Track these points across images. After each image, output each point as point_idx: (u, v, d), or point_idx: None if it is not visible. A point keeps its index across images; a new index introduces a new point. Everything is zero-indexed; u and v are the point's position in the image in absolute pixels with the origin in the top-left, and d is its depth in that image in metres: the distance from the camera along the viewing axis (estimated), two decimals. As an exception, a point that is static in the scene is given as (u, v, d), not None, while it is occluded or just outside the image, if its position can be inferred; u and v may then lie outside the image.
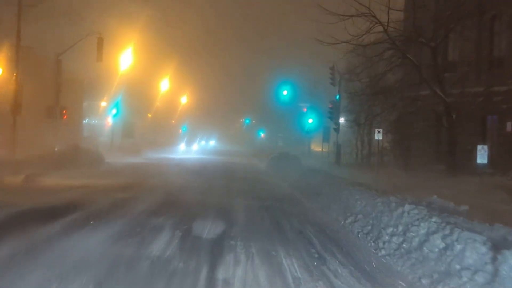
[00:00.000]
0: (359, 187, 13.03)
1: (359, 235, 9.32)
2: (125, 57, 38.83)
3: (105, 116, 50.06)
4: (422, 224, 7.53)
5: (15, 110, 24.31)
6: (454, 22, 21.61)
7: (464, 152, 21.32)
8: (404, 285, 6.48)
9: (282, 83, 46.14)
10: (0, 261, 6.75)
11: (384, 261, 7.63)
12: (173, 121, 73.84)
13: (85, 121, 50.10)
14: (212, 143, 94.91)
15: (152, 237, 8.50)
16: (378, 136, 23.10)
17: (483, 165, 16.16)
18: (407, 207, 8.51)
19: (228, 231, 9.38)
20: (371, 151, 32.63)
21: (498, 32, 23.27)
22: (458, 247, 6.30)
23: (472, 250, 6.03)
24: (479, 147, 16.06)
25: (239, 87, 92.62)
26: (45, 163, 20.97)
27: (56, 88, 29.71)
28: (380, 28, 20.90)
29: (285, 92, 45.67)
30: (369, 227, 9.27)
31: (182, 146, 65.21)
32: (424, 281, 6.42)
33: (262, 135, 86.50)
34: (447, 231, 6.82)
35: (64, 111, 30.03)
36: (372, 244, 8.47)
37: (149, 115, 61.62)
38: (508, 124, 21.18)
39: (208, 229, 9.52)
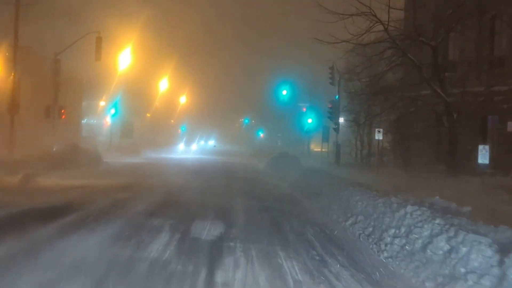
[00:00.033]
0: (359, 188, 12.92)
1: (360, 236, 9.18)
2: (124, 57, 38.68)
3: (104, 115, 49.90)
4: (425, 226, 7.38)
5: (13, 109, 24.21)
6: (455, 21, 21.48)
7: (465, 152, 21.21)
8: (407, 288, 6.38)
9: (281, 83, 46.10)
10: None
11: (387, 263, 7.49)
12: (172, 121, 73.68)
13: (84, 121, 49.95)
14: (211, 143, 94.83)
15: (151, 239, 8.38)
16: (378, 136, 22.99)
17: (484, 165, 16.03)
18: (409, 208, 8.37)
19: (228, 232, 9.26)
20: (371, 151, 32.50)
21: (498, 31, 23.14)
22: (463, 249, 6.15)
23: (478, 252, 5.88)
24: (481, 147, 15.92)
25: (239, 87, 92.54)
26: (44, 163, 20.83)
27: (54, 87, 29.57)
28: (380, 27, 20.76)
29: (284, 92, 45.61)
30: (371, 229, 9.14)
31: (181, 146, 65.10)
32: (428, 284, 6.29)
33: (261, 135, 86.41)
34: (451, 233, 6.68)
35: (63, 111, 29.86)
36: (374, 246, 8.33)
37: (148, 114, 61.50)
38: (509, 124, 21.00)
39: (207, 230, 9.40)
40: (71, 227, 9.12)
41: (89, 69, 37.43)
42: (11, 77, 24.62)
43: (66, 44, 29.85)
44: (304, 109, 46.53)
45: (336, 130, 33.80)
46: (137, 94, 52.61)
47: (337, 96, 33.94)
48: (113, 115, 41.81)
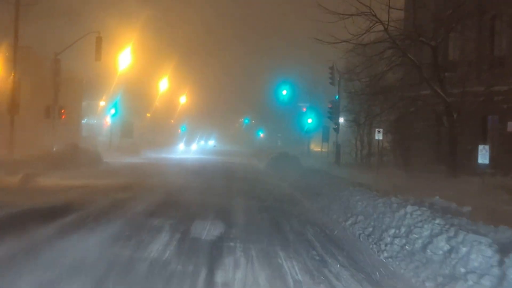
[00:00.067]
0: (359, 188, 12.91)
1: (360, 236, 9.17)
2: (124, 57, 38.67)
3: (104, 115, 49.89)
4: (425, 226, 7.38)
5: (13, 109, 24.20)
6: (455, 21, 21.47)
7: (465, 152, 21.19)
8: (407, 288, 6.37)
9: (281, 83, 46.08)
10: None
11: (387, 263, 7.48)
12: (172, 121, 73.66)
13: (84, 121, 49.94)
14: (211, 143, 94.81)
15: (150, 239, 8.37)
16: (379, 136, 22.97)
17: (485, 165, 16.01)
18: (409, 208, 8.36)
19: (228, 232, 9.25)
20: (371, 151, 32.49)
21: (498, 31, 23.11)
22: (463, 249, 6.14)
23: (478, 252, 5.87)
24: (481, 147, 15.89)
25: (239, 87, 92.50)
26: (44, 163, 20.81)
27: (54, 87, 29.56)
28: (380, 27, 20.74)
29: (284, 92, 45.60)
30: (371, 229, 9.13)
31: (181, 146, 65.08)
32: (428, 284, 6.28)
33: (261, 135, 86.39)
34: (451, 233, 6.67)
35: (63, 111, 29.85)
36: (374, 246, 8.32)
37: (148, 114, 61.48)
38: (509, 124, 20.96)
39: (207, 230, 9.40)
40: (71, 227, 9.11)
41: (89, 69, 37.45)
42: (11, 77, 24.60)
43: (66, 44, 29.84)
44: (304, 109, 46.52)
45: (336, 130, 33.79)
46: (137, 94, 52.62)
47: (337, 96, 33.93)
48: (113, 115, 41.80)
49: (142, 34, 43.68)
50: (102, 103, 50.93)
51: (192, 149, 66.50)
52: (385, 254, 7.71)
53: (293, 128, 59.30)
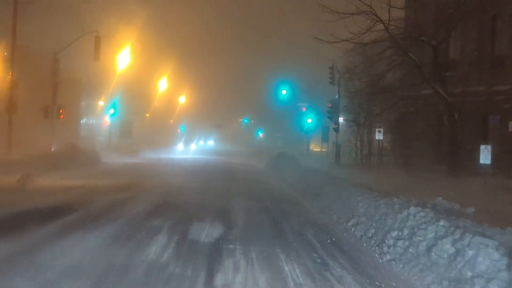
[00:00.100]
0: (360, 188, 12.76)
1: (362, 238, 9.01)
2: (123, 56, 38.54)
3: (103, 115, 49.76)
4: (429, 228, 7.21)
5: (11, 109, 24.09)
6: (456, 20, 21.35)
7: (465, 152, 21.07)
8: (412, 292, 6.23)
9: (281, 82, 45.82)
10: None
11: (390, 266, 7.33)
12: (171, 120, 73.51)
13: (83, 121, 49.81)
14: (211, 143, 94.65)
15: (148, 240, 8.23)
16: (379, 136, 22.85)
17: (486, 165, 15.87)
18: (412, 209, 8.19)
19: (227, 234, 9.10)
20: (371, 151, 32.35)
21: (499, 31, 22.98)
22: (470, 252, 5.98)
23: (485, 256, 5.71)
24: (482, 147, 15.76)
25: (238, 86, 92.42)
26: (42, 163, 20.67)
27: (53, 87, 29.42)
28: (381, 27, 20.61)
29: (284, 92, 45.36)
30: (373, 230, 8.97)
31: (180, 146, 64.92)
32: (433, 288, 6.14)
33: (260, 135, 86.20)
34: (456, 236, 6.50)
35: (61, 111, 29.73)
36: (376, 248, 8.17)
37: (147, 114, 61.33)
38: (510, 123, 20.84)
39: (207, 231, 9.25)
40: (68, 228, 8.98)
41: (88, 68, 37.37)
42: (9, 76, 24.45)
43: (65, 44, 29.73)
44: (304, 109, 46.33)
45: (336, 130, 33.61)
46: (136, 94, 52.54)
47: (336, 96, 33.76)
48: (112, 115, 41.65)
49: (141, 34, 43.67)
50: (101, 103, 50.84)
51: (191, 149, 66.32)
52: (388, 257, 7.55)
53: (293, 128, 59.11)
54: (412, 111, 25.47)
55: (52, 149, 26.82)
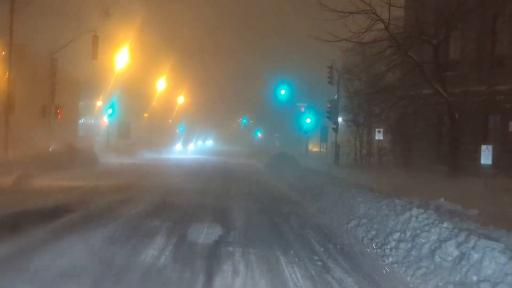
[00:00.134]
0: (361, 189, 12.62)
1: (363, 240, 8.85)
2: (121, 56, 38.39)
3: (101, 115, 49.59)
4: (432, 230, 7.04)
5: (8, 109, 23.93)
6: (456, 19, 21.23)
7: (465, 152, 20.95)
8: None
9: (280, 82, 45.65)
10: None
11: (393, 269, 7.14)
12: (170, 121, 73.33)
13: (81, 121, 49.64)
14: (209, 143, 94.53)
15: (145, 243, 8.06)
16: (379, 136, 22.72)
17: (487, 165, 15.75)
18: (415, 211, 8.02)
19: (226, 236, 8.95)
20: (371, 151, 32.24)
21: (499, 30, 22.85)
22: (475, 256, 5.81)
23: (491, 259, 5.54)
24: (483, 147, 15.64)
25: (237, 86, 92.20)
26: (39, 164, 20.50)
27: (50, 87, 29.27)
28: (380, 26, 20.48)
29: (283, 92, 45.21)
30: (374, 232, 8.81)
31: (178, 146, 64.76)
32: (437, 292, 5.98)
33: (259, 135, 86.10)
34: (461, 238, 6.34)
35: (59, 110, 29.60)
36: (379, 250, 8.00)
37: (146, 114, 61.14)
38: (511, 123, 20.72)
39: (205, 233, 9.09)
40: (63, 230, 8.83)
41: (87, 68, 37.18)
42: (6, 76, 24.29)
43: (62, 43, 29.58)
44: (303, 109, 46.19)
45: (335, 130, 33.49)
46: (134, 94, 52.35)
47: (336, 96, 33.64)
48: (110, 115, 41.49)
49: (140, 34, 43.39)
50: (99, 103, 50.64)
51: (189, 149, 66.17)
52: (390, 259, 7.39)
53: (291, 128, 58.98)
54: (412, 111, 25.35)
55: (50, 149, 26.64)
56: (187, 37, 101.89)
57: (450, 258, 6.24)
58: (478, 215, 9.17)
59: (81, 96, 43.77)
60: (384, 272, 7.06)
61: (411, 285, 6.45)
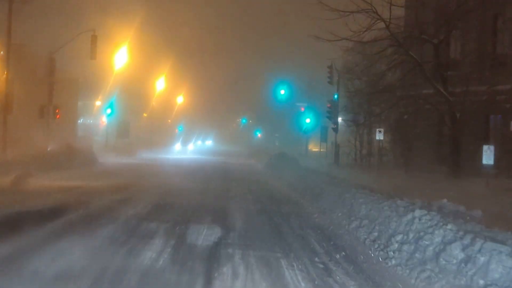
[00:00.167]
0: (361, 189, 12.50)
1: (365, 242, 8.71)
2: (120, 56, 38.22)
3: (100, 115, 49.45)
4: (436, 232, 6.91)
5: (6, 108, 23.80)
6: (457, 19, 21.12)
7: (466, 152, 20.83)
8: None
9: (279, 82, 45.56)
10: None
11: (396, 272, 7.01)
12: (169, 120, 73.18)
13: (80, 121, 49.49)
14: (209, 143, 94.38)
15: (144, 244, 7.92)
16: (379, 136, 22.61)
17: (489, 166, 15.62)
18: (417, 212, 7.89)
19: (225, 238, 8.81)
20: (371, 151, 32.13)
21: (500, 30, 22.76)
22: (482, 259, 5.67)
23: (498, 263, 5.41)
24: (485, 147, 15.50)
25: (237, 86, 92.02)
26: (37, 164, 20.36)
27: (49, 86, 29.13)
28: (381, 25, 20.38)
29: (282, 92, 45.10)
30: (376, 233, 8.67)
31: (177, 146, 64.63)
32: (442, 296, 5.84)
33: (259, 135, 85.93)
34: (466, 241, 6.20)
35: (57, 110, 29.44)
36: (381, 252, 7.86)
37: (145, 114, 60.99)
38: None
39: (204, 235, 8.95)
40: (61, 231, 8.71)
41: (85, 68, 37.06)
42: (4, 75, 24.16)
43: (61, 43, 29.42)
44: (302, 109, 46.07)
45: (335, 130, 33.37)
46: (133, 93, 52.19)
47: (336, 96, 33.52)
48: (109, 115, 41.32)
49: (139, 33, 43.27)
50: (98, 103, 50.51)
51: (188, 149, 66.06)
52: (393, 262, 7.25)
53: (291, 128, 58.83)
54: (412, 111, 25.24)
55: (48, 149, 26.48)
56: (187, 37, 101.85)
57: (455, 261, 6.10)
58: (482, 216, 9.03)
59: (80, 96, 43.62)
60: (387, 275, 6.93)
61: (415, 288, 6.33)
